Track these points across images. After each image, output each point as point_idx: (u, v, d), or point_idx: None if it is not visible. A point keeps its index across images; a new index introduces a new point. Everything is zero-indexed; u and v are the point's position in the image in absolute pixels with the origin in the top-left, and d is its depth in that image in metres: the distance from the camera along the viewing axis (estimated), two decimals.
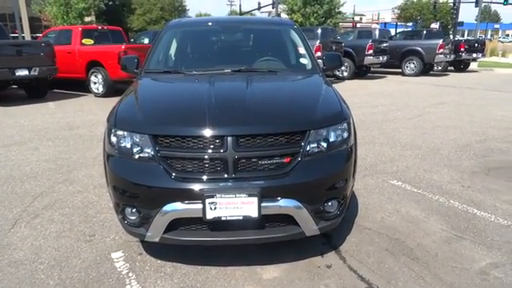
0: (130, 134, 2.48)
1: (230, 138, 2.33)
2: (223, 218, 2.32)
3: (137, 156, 2.44)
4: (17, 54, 9.18)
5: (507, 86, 12.86)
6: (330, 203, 2.54)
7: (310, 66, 3.61)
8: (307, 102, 2.80)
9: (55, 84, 11.09)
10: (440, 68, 17.85)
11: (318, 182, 2.46)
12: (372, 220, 3.30)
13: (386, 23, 49.69)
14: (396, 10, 57.19)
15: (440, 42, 15.99)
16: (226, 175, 2.34)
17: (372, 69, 16.84)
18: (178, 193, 2.33)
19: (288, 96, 2.95)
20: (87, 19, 20.90)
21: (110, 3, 25.84)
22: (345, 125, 2.66)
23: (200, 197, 2.28)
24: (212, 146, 2.35)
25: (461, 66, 19.00)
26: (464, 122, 7.22)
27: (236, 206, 2.30)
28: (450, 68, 18.53)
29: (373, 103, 9.48)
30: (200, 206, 2.29)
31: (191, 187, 2.31)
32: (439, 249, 2.85)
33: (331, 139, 2.55)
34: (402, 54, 16.50)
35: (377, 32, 17.52)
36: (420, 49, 16.15)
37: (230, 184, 2.33)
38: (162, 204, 2.34)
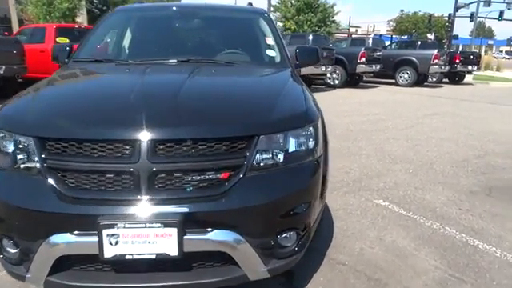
0: (12, 136, 1.80)
1: (143, 144, 1.67)
2: (128, 257, 1.64)
3: (18, 166, 1.77)
4: None
5: (503, 100, 12.32)
6: (285, 235, 1.88)
7: (278, 59, 2.97)
8: (261, 100, 2.14)
9: (26, 84, 10.36)
10: (434, 79, 17.36)
11: (267, 206, 1.79)
12: (349, 251, 2.63)
13: (381, 35, 49.44)
14: (391, 23, 57.26)
15: (435, 52, 15.50)
16: (136, 196, 1.67)
17: (365, 78, 16.30)
18: (66, 219, 1.65)
19: (238, 92, 2.28)
20: (79, 20, 20.17)
21: (104, 8, 25.17)
22: (310, 129, 2.00)
23: (95, 226, 1.60)
24: (118, 155, 1.69)
25: (456, 78, 18.54)
26: (460, 135, 6.61)
27: (146, 239, 1.63)
28: (444, 80, 18.04)
29: (363, 112, 8.87)
30: (96, 238, 1.61)
31: (83, 212, 1.64)
32: None
33: (290, 148, 1.90)
34: (395, 64, 15.95)
35: (370, 40, 17.02)
36: (414, 59, 15.61)
37: (138, 209, 1.65)
38: (45, 235, 1.66)
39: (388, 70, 15.94)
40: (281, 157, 1.87)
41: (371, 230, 2.96)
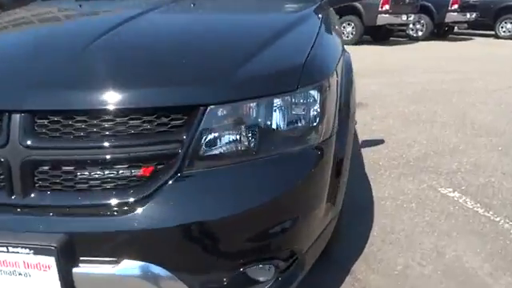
0: None
1: (15, 117, 1.04)
2: None
3: None
4: None
5: None
6: (253, 268, 1.17)
7: None
8: (232, 50, 1.33)
9: None
10: None
11: (219, 223, 1.08)
12: (386, 269, 1.85)
13: None
14: None
15: None
16: (1, 199, 1.07)
17: (456, 29, 14.06)
18: None
19: (201, 38, 1.45)
20: None
21: None
22: (311, 95, 1.21)
23: None
24: None
25: None
26: None
27: (15, 270, 1.04)
28: None
29: (447, 69, 7.41)
30: None
31: None
32: None
33: (271, 126, 1.15)
34: (496, 12, 13.43)
35: None
36: None
37: (4, 218, 1.06)
38: None
39: (486, 20, 13.52)
40: (251, 141, 1.13)
41: (427, 236, 2.11)
